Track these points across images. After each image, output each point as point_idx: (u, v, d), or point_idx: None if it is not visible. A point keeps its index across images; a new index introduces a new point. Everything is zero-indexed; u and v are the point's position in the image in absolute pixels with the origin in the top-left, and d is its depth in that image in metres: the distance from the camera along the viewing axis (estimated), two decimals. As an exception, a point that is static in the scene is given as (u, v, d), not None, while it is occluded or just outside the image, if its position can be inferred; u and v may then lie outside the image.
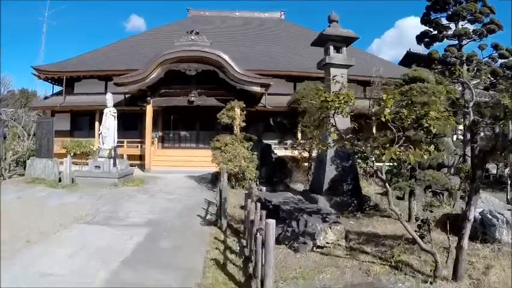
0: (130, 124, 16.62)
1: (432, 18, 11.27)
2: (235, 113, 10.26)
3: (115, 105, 15.13)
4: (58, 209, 7.23)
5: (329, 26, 8.23)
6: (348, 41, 8.24)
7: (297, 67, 17.95)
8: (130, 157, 16.28)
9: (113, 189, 9.81)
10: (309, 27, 25.48)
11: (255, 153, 10.11)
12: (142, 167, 15.94)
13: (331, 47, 8.06)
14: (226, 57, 13.81)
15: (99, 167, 10.67)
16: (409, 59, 24.86)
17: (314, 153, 11.07)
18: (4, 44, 51.44)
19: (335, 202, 7.75)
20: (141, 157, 16.17)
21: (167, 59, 13.89)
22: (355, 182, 8.14)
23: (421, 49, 25.84)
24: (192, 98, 14.74)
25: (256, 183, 10.34)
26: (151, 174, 13.80)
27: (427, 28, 11.61)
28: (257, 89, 14.08)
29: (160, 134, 17.11)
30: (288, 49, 20.23)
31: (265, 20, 23.50)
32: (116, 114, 11.51)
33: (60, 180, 10.96)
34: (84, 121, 17.74)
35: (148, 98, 14.79)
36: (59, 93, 17.95)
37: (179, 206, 7.87)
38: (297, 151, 11.79)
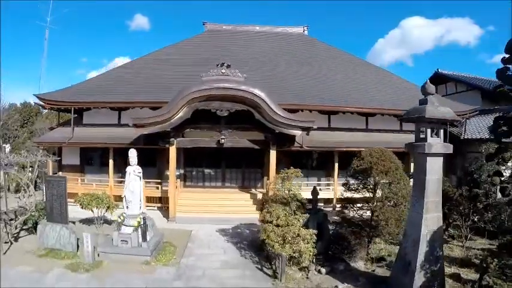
0: (147, 160, 14.86)
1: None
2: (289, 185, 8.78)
3: (131, 143, 13.62)
4: None
5: (425, 100, 6.62)
6: (446, 122, 6.72)
7: (329, 95, 16.39)
8: (149, 199, 14.71)
9: (146, 274, 8.30)
10: (332, 45, 23.93)
11: (312, 230, 8.63)
12: (162, 210, 14.38)
13: (429, 131, 6.51)
14: (263, 95, 12.15)
15: (126, 241, 9.11)
16: (438, 79, 23.49)
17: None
18: (4, 49, 48.50)
19: (422, 313, 6.52)
20: (161, 199, 14.58)
21: (195, 97, 12.15)
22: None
23: (449, 69, 24.58)
24: (222, 139, 13.07)
25: (313, 261, 8.97)
26: (178, 227, 12.23)
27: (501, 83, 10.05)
28: (297, 132, 12.50)
29: (182, 171, 15.42)
30: (316, 72, 18.56)
31: (287, 36, 21.63)
32: (141, 175, 9.81)
33: (78, 249, 9.49)
34: (95, 155, 15.92)
35: (172, 139, 13.08)
36: (66, 123, 16.10)
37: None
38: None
